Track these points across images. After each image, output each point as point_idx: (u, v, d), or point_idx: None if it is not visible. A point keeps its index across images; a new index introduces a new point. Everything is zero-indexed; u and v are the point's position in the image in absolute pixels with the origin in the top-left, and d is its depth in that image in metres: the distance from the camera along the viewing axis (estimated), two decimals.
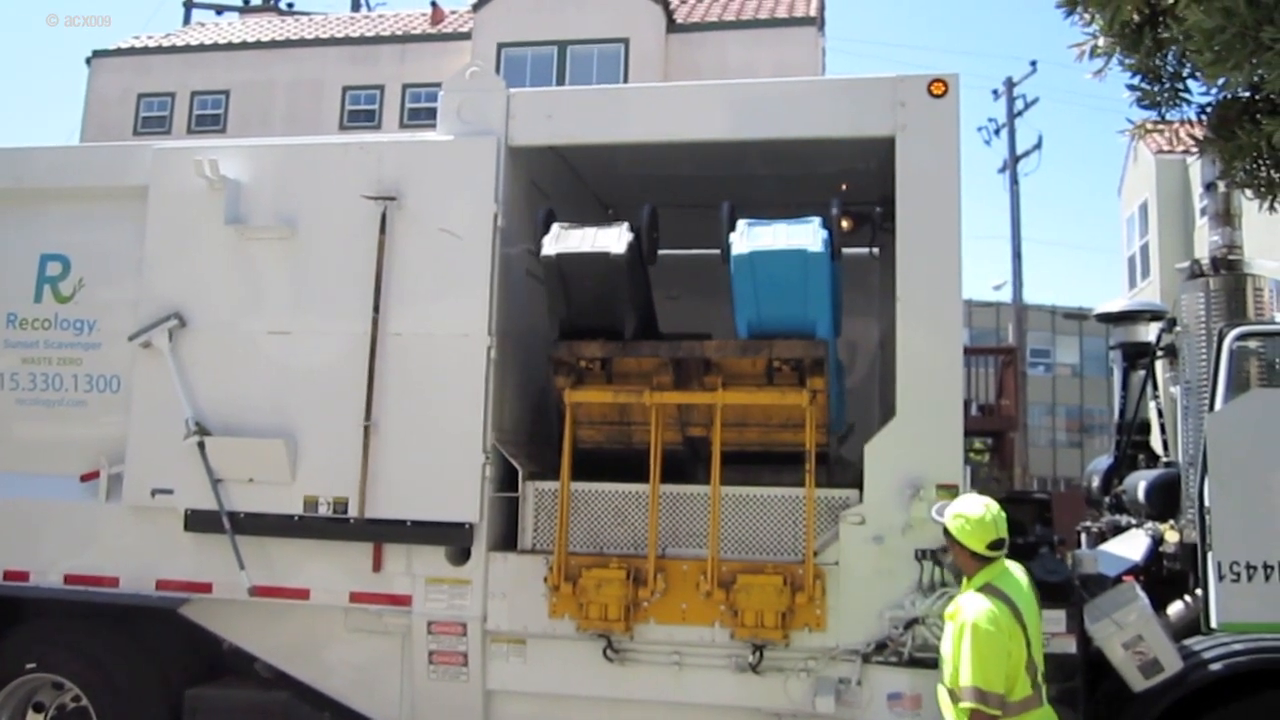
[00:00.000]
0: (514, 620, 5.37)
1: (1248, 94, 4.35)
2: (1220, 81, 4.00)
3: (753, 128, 5.51)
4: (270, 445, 5.49)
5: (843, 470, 5.57)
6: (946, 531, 4.26)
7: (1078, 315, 38.33)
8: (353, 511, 5.42)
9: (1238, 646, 4.80)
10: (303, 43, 23.73)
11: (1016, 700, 3.96)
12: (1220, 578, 4.86)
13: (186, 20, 29.44)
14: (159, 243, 5.85)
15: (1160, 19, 4.23)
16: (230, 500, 5.54)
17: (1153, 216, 22.51)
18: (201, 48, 24.14)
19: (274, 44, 23.76)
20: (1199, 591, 5.06)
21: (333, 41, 23.63)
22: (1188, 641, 4.93)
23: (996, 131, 24.68)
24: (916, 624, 4.91)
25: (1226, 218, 5.79)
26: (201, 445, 5.56)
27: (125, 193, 5.97)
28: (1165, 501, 5.73)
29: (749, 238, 5.05)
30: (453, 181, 5.62)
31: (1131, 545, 5.89)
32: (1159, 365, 6.77)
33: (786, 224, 5.10)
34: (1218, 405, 5.14)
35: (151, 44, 24.55)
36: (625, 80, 20.24)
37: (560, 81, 20.53)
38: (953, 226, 5.19)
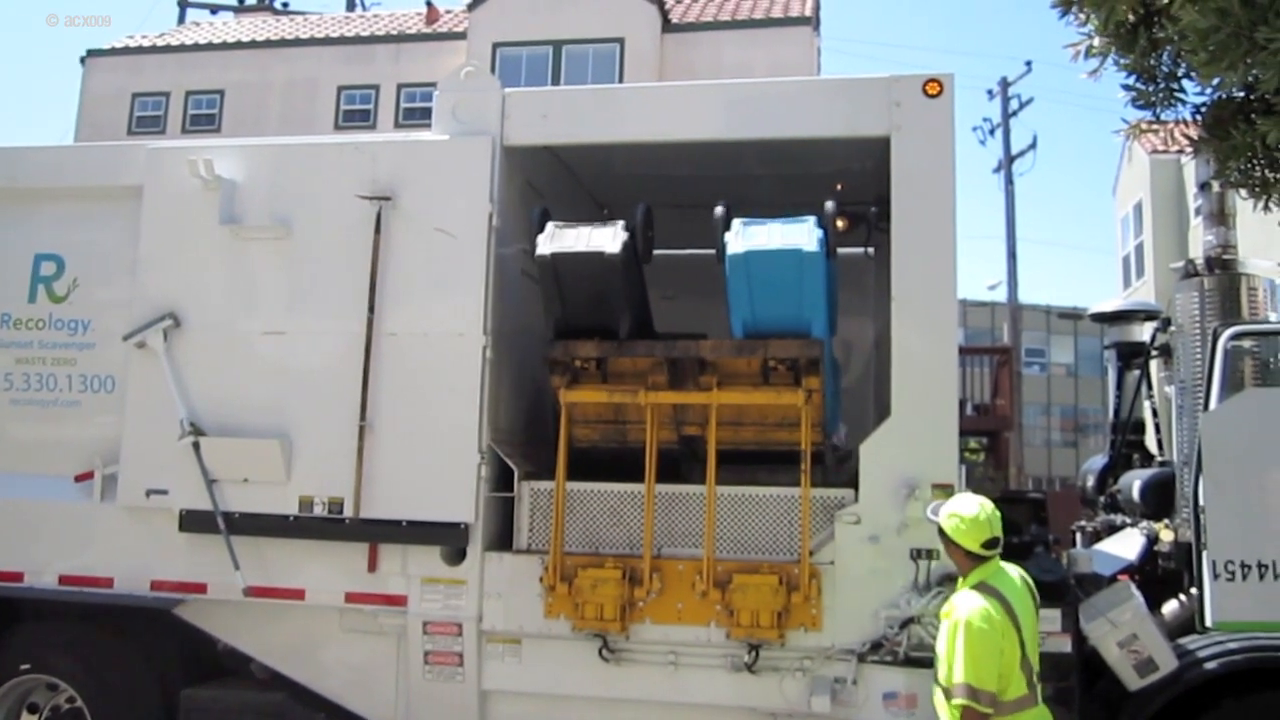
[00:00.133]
0: (509, 620, 5.36)
1: (1242, 94, 4.35)
2: (1215, 81, 4.01)
3: (748, 128, 5.51)
4: (265, 445, 5.48)
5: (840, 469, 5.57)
6: (941, 530, 4.26)
7: (1073, 315, 38.35)
8: (348, 511, 5.41)
9: (1232, 645, 4.81)
10: (297, 42, 23.69)
11: (1011, 699, 3.96)
12: (1215, 577, 4.88)
13: (181, 20, 29.37)
14: (153, 243, 5.83)
15: (1155, 19, 4.24)
16: (225, 500, 5.54)
17: (1147, 216, 22.54)
18: (196, 47, 24.09)
19: (269, 44, 23.72)
20: (1194, 590, 5.07)
21: (328, 41, 23.60)
22: (1183, 640, 4.94)
23: (991, 131, 24.73)
24: (912, 623, 4.91)
25: (1221, 217, 5.80)
26: (196, 445, 5.55)
27: (120, 192, 5.96)
28: (1160, 501, 5.75)
29: (744, 237, 5.05)
30: (448, 181, 5.61)
31: (1126, 544, 5.90)
32: (1154, 365, 6.78)
33: (781, 223, 5.10)
34: (1212, 405, 5.15)
35: (146, 43, 24.49)
36: (620, 80, 20.24)
37: (555, 81, 20.53)
38: (948, 226, 5.19)
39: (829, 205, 5.10)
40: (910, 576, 4.95)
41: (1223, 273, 5.61)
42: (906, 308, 5.15)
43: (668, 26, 21.38)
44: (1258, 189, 4.55)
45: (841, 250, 5.35)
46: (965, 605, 4.01)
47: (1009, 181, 23.97)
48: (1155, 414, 6.94)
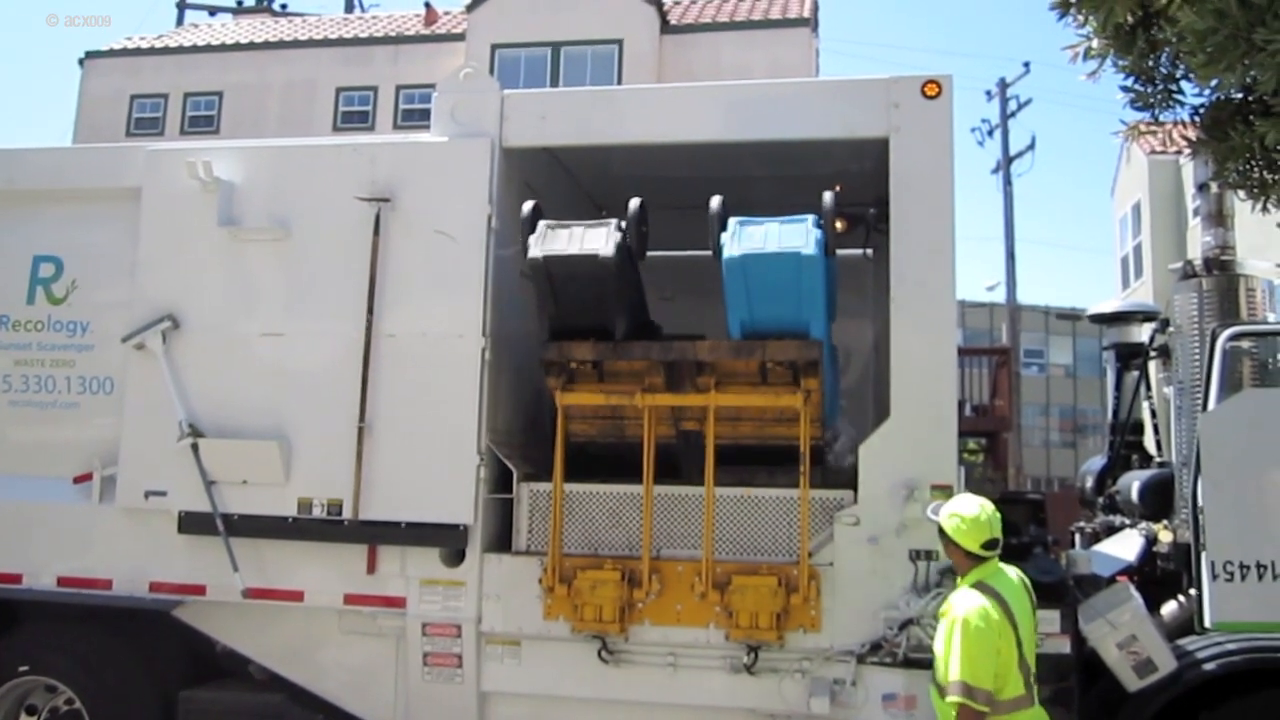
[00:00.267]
0: (509, 622, 5.36)
1: (1240, 95, 4.35)
2: (1213, 83, 4.00)
3: (746, 129, 5.51)
4: (264, 447, 5.48)
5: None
6: (941, 530, 4.27)
7: (1071, 316, 38.36)
8: (347, 513, 5.41)
9: (1231, 646, 4.81)
10: (296, 44, 23.68)
11: (1007, 699, 3.97)
12: (1214, 577, 4.88)
13: (179, 21, 29.37)
14: (152, 244, 5.83)
15: (1153, 21, 4.24)
16: (224, 502, 5.53)
17: (1145, 217, 22.55)
18: (194, 49, 24.08)
19: (267, 45, 23.71)
20: (1193, 591, 5.07)
21: (326, 43, 23.58)
22: (1181, 641, 4.94)
23: (990, 132, 24.78)
24: (911, 625, 4.91)
25: (1219, 218, 5.81)
26: (195, 447, 5.54)
27: (118, 194, 5.96)
28: (1159, 502, 5.75)
29: (740, 239, 5.01)
30: (446, 183, 5.61)
31: (1125, 545, 5.91)
32: (1152, 366, 6.79)
33: (779, 223, 5.08)
34: (1211, 405, 5.15)
35: (144, 45, 24.48)
36: (619, 81, 20.23)
37: (554, 83, 20.53)
38: (946, 227, 5.19)
39: (827, 199, 5.05)
40: (909, 578, 4.95)
41: (1221, 274, 5.62)
42: (905, 309, 5.15)
43: (666, 28, 21.39)
44: (1256, 190, 4.55)
45: (840, 251, 5.35)
46: (963, 604, 4.03)
47: (1007, 182, 24.00)
48: (1154, 415, 6.95)
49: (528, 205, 5.29)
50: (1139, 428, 6.96)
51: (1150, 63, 4.43)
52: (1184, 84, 4.49)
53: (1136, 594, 4.95)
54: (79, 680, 5.78)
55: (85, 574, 5.75)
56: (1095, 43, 4.44)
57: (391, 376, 5.47)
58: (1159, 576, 5.55)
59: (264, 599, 5.54)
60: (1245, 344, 5.29)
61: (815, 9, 21.74)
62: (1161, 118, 4.70)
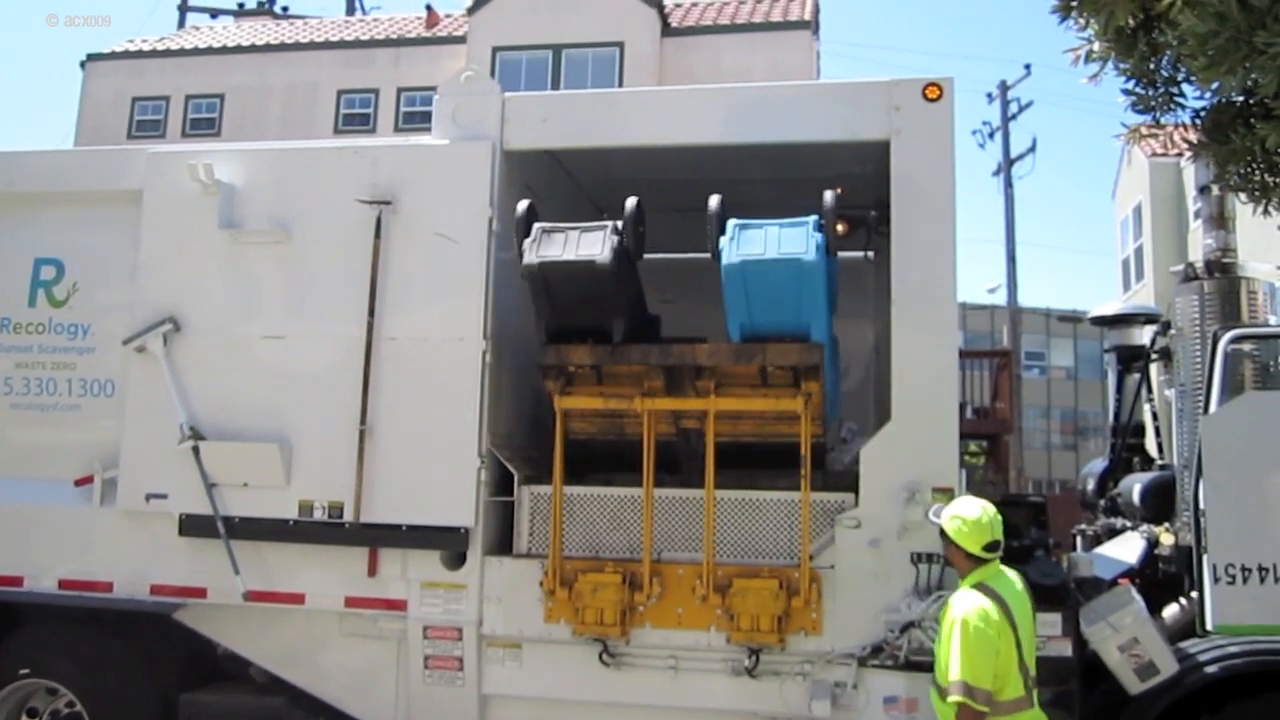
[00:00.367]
0: (509, 625, 5.36)
1: (1242, 98, 4.35)
2: (1214, 86, 4.00)
3: (748, 132, 5.51)
4: (265, 450, 5.48)
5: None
6: (943, 532, 4.28)
7: (1072, 318, 38.32)
8: (348, 516, 5.41)
9: (1233, 649, 4.80)
10: (297, 46, 23.69)
11: (1007, 700, 3.98)
12: (1215, 580, 4.87)
13: (181, 24, 29.38)
14: (153, 247, 5.84)
15: (1155, 24, 4.24)
16: (225, 505, 5.53)
17: (1147, 219, 22.54)
18: (196, 51, 24.10)
19: (268, 48, 23.72)
20: (1194, 594, 5.06)
21: (327, 45, 23.59)
22: (1183, 644, 4.93)
23: (991, 135, 24.78)
24: (912, 627, 4.90)
25: (1221, 221, 5.81)
26: (196, 450, 5.55)
27: (119, 197, 5.96)
28: (1160, 504, 5.74)
29: (740, 243, 4.97)
30: (448, 186, 5.62)
31: (1127, 548, 5.90)
32: (1154, 368, 6.78)
33: (779, 226, 5.05)
34: (1212, 408, 5.14)
35: (146, 47, 24.49)
36: (620, 84, 20.24)
37: (555, 85, 20.53)
38: (947, 230, 5.19)
39: (827, 199, 5.03)
40: (910, 580, 4.95)
41: (1222, 276, 5.61)
42: (906, 311, 5.15)
43: (667, 30, 21.39)
44: (1257, 193, 4.55)
45: (841, 254, 5.34)
46: (963, 604, 4.04)
47: (1008, 185, 24.00)
48: (1155, 417, 6.94)
49: (522, 205, 5.23)
50: (1140, 430, 6.95)
51: (1151, 66, 4.43)
52: (1185, 87, 4.49)
53: (1138, 597, 4.95)
54: (80, 683, 5.78)
55: (86, 576, 5.75)
56: (1096, 46, 4.44)
57: (392, 379, 5.47)
58: (1160, 579, 5.54)
59: (265, 602, 5.54)
60: (1246, 347, 5.29)
61: (816, 11, 21.73)
62: (1162, 121, 4.70)
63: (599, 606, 5.13)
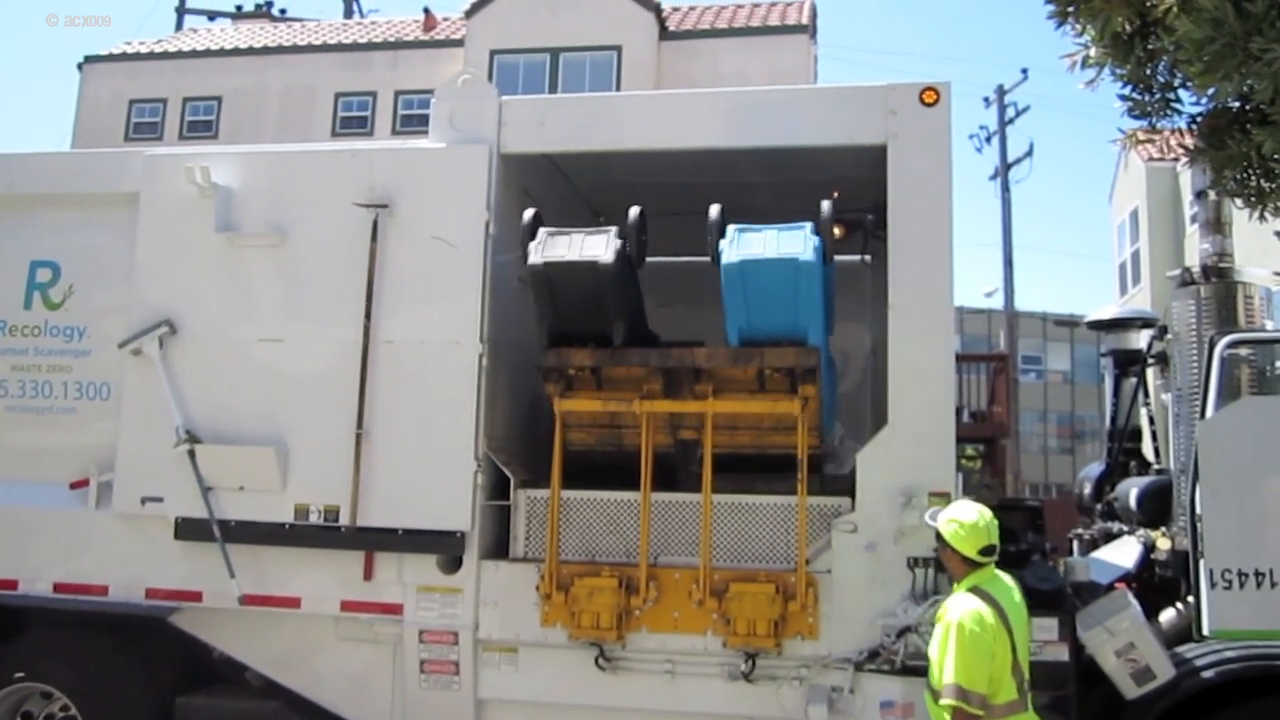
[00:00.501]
0: (506, 629, 5.35)
1: (1237, 104, 4.36)
2: (1210, 91, 4.00)
3: (745, 136, 5.52)
4: (261, 453, 5.47)
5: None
6: (939, 536, 4.28)
7: (1069, 322, 38.37)
8: (344, 520, 5.40)
9: (1230, 654, 4.81)
10: (295, 49, 23.67)
11: (1001, 704, 3.99)
12: (1212, 585, 4.86)
13: (179, 26, 29.36)
14: (150, 250, 5.83)
15: (1151, 30, 4.24)
16: (221, 508, 5.52)
17: (1143, 223, 22.58)
18: (193, 54, 24.07)
19: (266, 50, 23.70)
20: (1191, 599, 5.06)
21: (325, 48, 23.58)
22: (1180, 649, 4.94)
23: (988, 139, 24.82)
24: (909, 632, 4.90)
25: (1217, 226, 5.81)
26: (192, 453, 5.54)
27: (116, 199, 5.96)
28: (1157, 508, 5.74)
29: (739, 245, 5.03)
30: (445, 189, 5.61)
31: (1123, 552, 5.90)
32: (1150, 372, 6.79)
33: (777, 230, 5.09)
34: (1209, 412, 5.15)
35: (143, 49, 24.47)
36: (617, 88, 20.24)
37: (553, 89, 20.54)
38: (944, 234, 5.20)
39: (825, 209, 5.08)
40: (907, 585, 4.95)
41: (1219, 281, 5.62)
42: (903, 315, 5.16)
43: (665, 34, 21.40)
44: (1253, 198, 4.55)
45: (838, 258, 5.36)
46: (958, 608, 4.05)
47: (1005, 189, 24.03)
48: (1152, 422, 6.94)
49: (528, 213, 5.30)
50: (1137, 434, 6.95)
51: (1147, 71, 4.43)
52: (1181, 92, 4.49)
53: (1135, 601, 4.95)
54: (74, 687, 5.76)
55: (81, 580, 5.73)
56: (1093, 51, 4.44)
57: (389, 383, 5.46)
58: (1157, 584, 5.54)
59: (261, 606, 5.53)
60: (1243, 351, 5.29)
61: (814, 15, 21.75)
62: (1159, 126, 4.70)
63: (595, 611, 5.12)
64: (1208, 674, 4.76)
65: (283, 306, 5.67)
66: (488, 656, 5.40)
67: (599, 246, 5.09)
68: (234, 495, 5.53)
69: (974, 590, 4.13)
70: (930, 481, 5.00)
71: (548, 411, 5.43)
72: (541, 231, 5.22)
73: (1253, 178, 4.53)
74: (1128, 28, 4.27)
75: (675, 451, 5.38)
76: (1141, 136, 4.94)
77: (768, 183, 6.12)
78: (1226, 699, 4.75)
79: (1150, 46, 4.32)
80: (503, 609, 5.35)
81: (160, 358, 5.67)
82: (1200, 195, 5.83)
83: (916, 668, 4.83)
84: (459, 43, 22.07)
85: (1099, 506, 6.72)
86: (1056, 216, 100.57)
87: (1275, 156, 4.11)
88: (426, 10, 24.05)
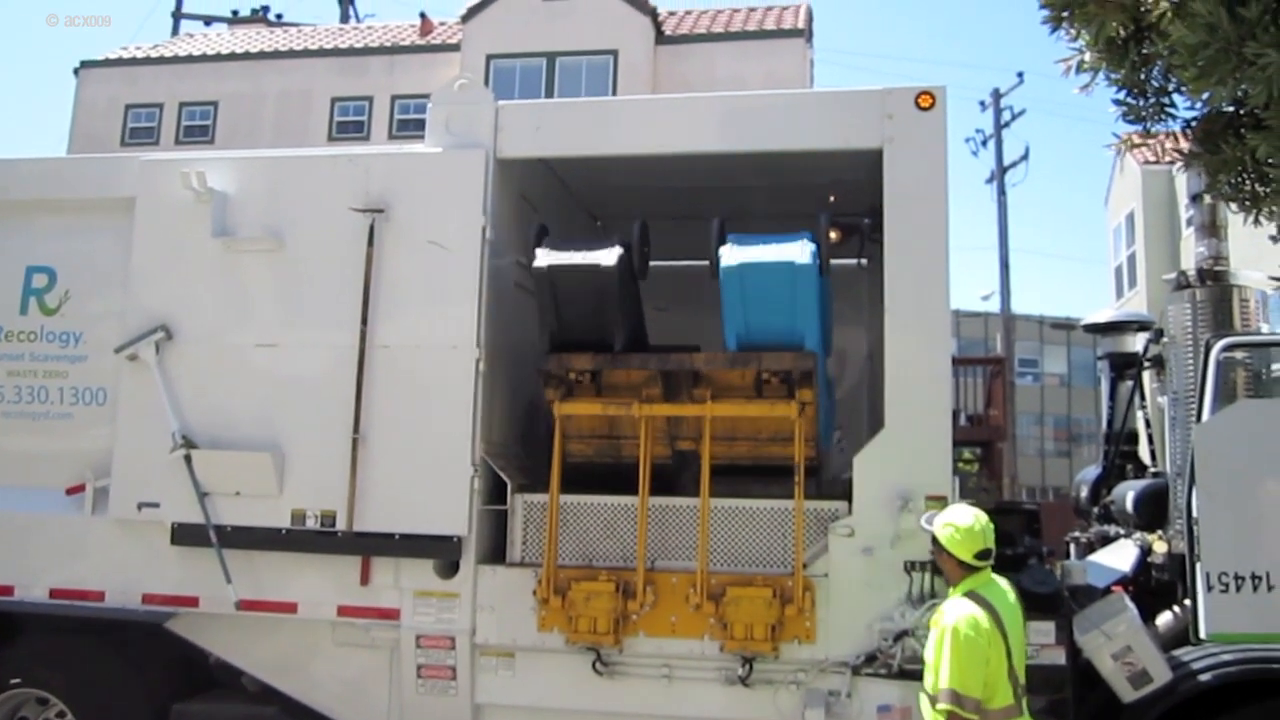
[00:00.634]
0: (503, 633, 5.34)
1: (1232, 108, 4.36)
2: (1205, 96, 4.00)
3: (741, 140, 5.52)
4: (257, 458, 5.46)
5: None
6: (934, 540, 4.29)
7: (1065, 325, 38.38)
8: (340, 525, 5.39)
9: (1226, 657, 4.82)
10: (291, 54, 23.70)
11: (997, 708, 3.99)
12: (1209, 588, 4.87)
13: (175, 31, 29.40)
14: (146, 255, 5.82)
15: (1145, 35, 4.25)
16: (217, 513, 5.51)
17: (1139, 227, 22.64)
18: (190, 58, 24.08)
19: (262, 55, 23.73)
20: (1187, 602, 5.07)
21: (321, 53, 23.60)
22: (1177, 652, 4.94)
23: (984, 142, 24.85)
24: (906, 636, 4.90)
25: (1213, 229, 5.83)
26: (188, 458, 5.53)
27: (112, 204, 5.95)
28: (1153, 512, 5.75)
29: (737, 251, 5.06)
30: (441, 194, 5.61)
31: (1120, 556, 5.90)
32: (1146, 376, 6.80)
33: (776, 241, 5.12)
34: (1205, 416, 5.16)
35: (140, 54, 24.48)
36: (614, 92, 20.29)
37: (549, 93, 20.57)
38: (940, 237, 5.21)
39: (822, 218, 5.12)
40: (904, 589, 4.95)
41: (1215, 284, 5.63)
42: (899, 318, 5.16)
43: (661, 39, 21.44)
44: (1248, 203, 4.55)
45: (835, 261, 5.36)
46: (954, 613, 4.05)
47: (1001, 192, 24.07)
48: (1148, 425, 6.95)
49: (535, 225, 5.35)
50: (1133, 438, 6.96)
51: (1142, 76, 4.43)
52: (1176, 97, 4.49)
53: (1131, 605, 4.95)
54: (70, 693, 5.75)
55: (77, 586, 5.72)
56: (1088, 56, 4.44)
57: (386, 387, 5.46)
58: (1154, 587, 5.55)
59: (257, 611, 5.52)
60: (1239, 354, 5.31)
61: (810, 20, 21.80)
62: (1154, 130, 4.71)
63: (592, 615, 5.12)
64: (1204, 677, 4.77)
65: (279, 312, 5.66)
66: (485, 661, 5.39)
67: (603, 254, 5.14)
68: (230, 500, 5.52)
69: (969, 595, 4.13)
70: (927, 485, 5.00)
71: (545, 416, 5.43)
72: (546, 243, 5.27)
73: (1247, 182, 4.53)
74: (1122, 33, 4.28)
75: (673, 463, 5.39)
76: (1136, 141, 4.95)
77: (764, 186, 6.13)
78: (1223, 702, 4.76)
79: (1145, 51, 4.32)
80: (500, 614, 5.35)
81: (156, 363, 5.66)
82: (1195, 199, 5.84)
83: (914, 671, 4.83)
84: (455, 47, 22.10)
85: (1096, 510, 6.73)
86: (1053, 220, 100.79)
87: (1270, 161, 4.11)
88: (422, 15, 24.09)
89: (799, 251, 5.00)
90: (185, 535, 5.54)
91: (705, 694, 5.15)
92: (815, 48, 22.85)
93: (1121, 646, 4.77)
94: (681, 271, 6.36)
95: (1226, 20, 3.60)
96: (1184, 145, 4.80)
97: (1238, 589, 4.84)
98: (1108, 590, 5.32)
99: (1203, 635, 4.91)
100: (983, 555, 4.18)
